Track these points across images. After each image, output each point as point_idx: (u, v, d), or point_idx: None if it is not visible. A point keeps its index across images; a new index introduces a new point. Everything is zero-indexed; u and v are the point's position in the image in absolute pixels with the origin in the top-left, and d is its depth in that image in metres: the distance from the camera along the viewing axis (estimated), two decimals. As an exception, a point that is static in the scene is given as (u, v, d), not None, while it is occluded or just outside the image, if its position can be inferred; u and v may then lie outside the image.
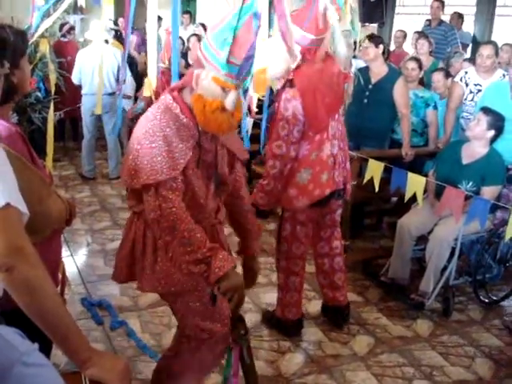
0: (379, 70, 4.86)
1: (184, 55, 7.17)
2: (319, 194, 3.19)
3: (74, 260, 4.41)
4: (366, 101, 4.86)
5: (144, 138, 2.06)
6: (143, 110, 5.56)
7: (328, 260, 3.56)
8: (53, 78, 4.00)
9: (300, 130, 3.07)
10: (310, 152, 3.14)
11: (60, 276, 2.20)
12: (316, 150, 3.14)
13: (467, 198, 3.73)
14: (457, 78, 5.07)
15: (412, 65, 5.18)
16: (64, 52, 7.34)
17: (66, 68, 6.89)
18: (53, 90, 4.04)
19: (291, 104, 3.05)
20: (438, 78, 5.31)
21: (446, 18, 7.98)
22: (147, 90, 3.87)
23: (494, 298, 4.18)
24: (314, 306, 3.88)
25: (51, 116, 3.82)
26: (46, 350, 1.55)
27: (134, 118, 5.71)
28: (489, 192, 3.86)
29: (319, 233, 3.53)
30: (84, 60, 6.17)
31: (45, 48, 3.65)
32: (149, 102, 5.49)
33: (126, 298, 3.85)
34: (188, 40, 7.40)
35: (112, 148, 6.59)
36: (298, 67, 3.06)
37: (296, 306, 3.51)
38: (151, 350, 3.25)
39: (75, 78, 6.30)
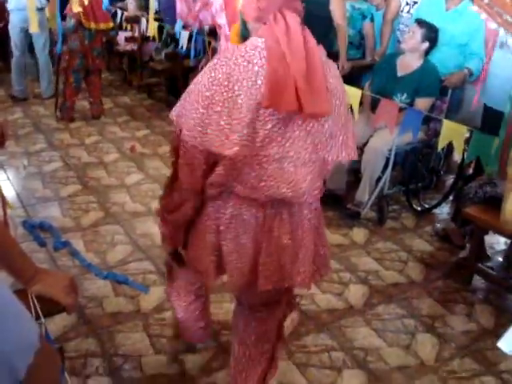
0: (315, -18, 4.78)
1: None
2: None
3: (11, 183, 4.33)
4: (302, 13, 4.80)
5: None
6: (74, 28, 5.33)
7: None
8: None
9: None
10: None
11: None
12: None
13: (401, 109, 3.82)
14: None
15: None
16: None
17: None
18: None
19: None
20: (374, -11, 5.27)
21: None
22: (76, 6, 3.70)
23: (426, 206, 4.39)
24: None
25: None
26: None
27: (66, 37, 5.49)
28: (422, 103, 3.95)
29: None
30: None
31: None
32: (78, 20, 5.28)
33: (68, 219, 3.84)
34: None
35: (43, 66, 6.33)
36: None
37: None
38: (96, 267, 3.29)
39: None
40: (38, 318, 1.40)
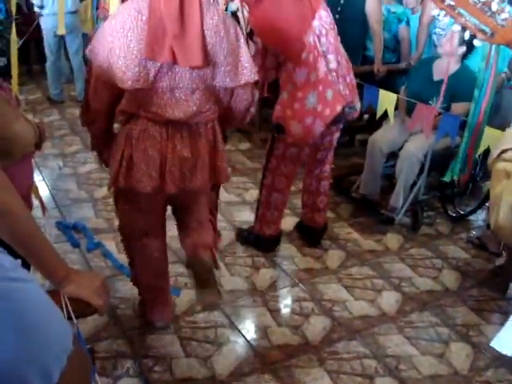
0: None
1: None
2: (331, 113, 3.13)
3: (46, 184, 4.39)
4: (337, 16, 4.75)
5: None
6: None
7: (316, 182, 3.60)
8: (13, -2, 3.80)
9: None
10: (308, 76, 3.08)
11: (36, 199, 2.20)
12: (313, 70, 3.07)
13: (438, 114, 3.76)
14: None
15: (386, -21, 5.07)
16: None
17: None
18: (14, 10, 3.85)
19: None
20: (409, -8, 5.21)
21: None
22: (114, 6, 3.73)
23: (462, 213, 4.30)
24: (288, 222, 3.94)
25: (14, 38, 3.67)
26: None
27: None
28: (459, 108, 3.88)
29: (315, 154, 3.51)
30: None
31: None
32: None
33: (101, 220, 3.88)
34: None
35: (78, 69, 6.40)
36: None
37: (275, 222, 3.57)
38: (128, 269, 3.30)
39: None
40: (69, 318, 1.40)
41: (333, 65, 3.14)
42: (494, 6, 2.65)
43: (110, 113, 2.30)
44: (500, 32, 2.72)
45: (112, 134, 2.45)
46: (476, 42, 2.92)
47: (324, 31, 3.09)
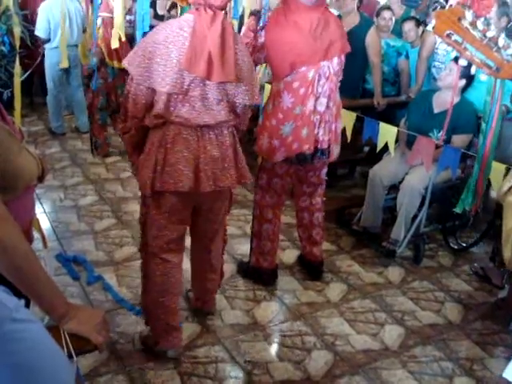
0: (353, 19, 4.80)
1: (152, 4, 6.82)
2: (296, 149, 3.17)
3: (47, 216, 4.38)
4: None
5: None
6: (97, 66, 5.37)
7: (308, 214, 3.60)
8: (17, 31, 3.84)
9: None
10: (293, 105, 3.11)
11: (37, 233, 2.19)
12: (300, 104, 3.11)
13: (438, 146, 3.77)
14: (429, 27, 5.05)
15: (388, 14, 5.15)
16: (27, 4, 7.05)
17: (30, 21, 6.64)
18: (17, 43, 3.90)
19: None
20: (408, 26, 5.28)
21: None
22: (116, 41, 3.78)
23: (464, 245, 4.29)
24: (288, 255, 3.93)
25: (17, 71, 3.72)
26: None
27: (89, 75, 5.54)
28: (459, 141, 3.90)
29: (302, 187, 3.55)
30: (54, 12, 5.82)
31: (7, 0, 3.50)
32: (102, 57, 5.30)
33: (102, 253, 3.86)
34: None
35: (79, 102, 6.43)
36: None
37: (270, 254, 3.55)
38: (128, 302, 3.28)
39: (43, 31, 5.89)
40: (69, 355, 1.38)
41: (321, 108, 3.17)
42: (501, 42, 2.69)
43: (143, 117, 2.51)
44: (506, 67, 2.75)
45: (143, 139, 2.63)
46: (482, 77, 2.95)
47: (327, 74, 3.13)
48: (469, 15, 2.71)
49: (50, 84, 6.31)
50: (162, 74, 2.36)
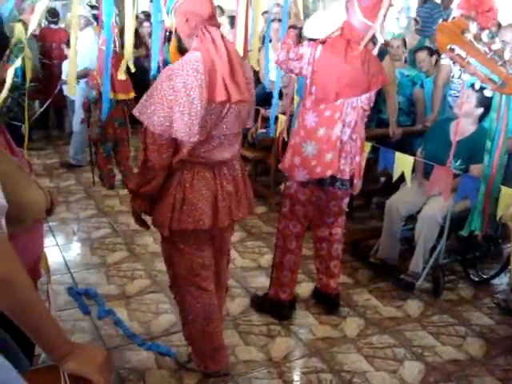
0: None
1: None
2: (319, 173, 3.16)
3: (59, 249, 4.34)
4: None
5: None
6: (95, 99, 5.35)
7: (327, 245, 3.54)
8: (29, 64, 3.87)
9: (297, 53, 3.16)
10: (316, 125, 3.11)
11: (44, 268, 2.14)
12: (324, 126, 3.10)
13: (456, 176, 3.69)
14: (443, 56, 5.01)
15: (397, 42, 5.12)
16: (50, 39, 7.16)
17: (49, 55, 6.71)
18: (28, 76, 3.92)
19: (312, 48, 3.11)
20: (422, 56, 5.26)
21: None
22: (122, 73, 3.80)
23: (485, 277, 4.17)
24: (303, 288, 3.84)
25: (26, 103, 3.76)
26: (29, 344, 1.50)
27: (89, 109, 5.53)
28: (478, 169, 3.81)
29: (323, 217, 3.50)
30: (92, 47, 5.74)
31: (20, 33, 3.53)
32: (98, 90, 5.24)
33: (113, 287, 3.80)
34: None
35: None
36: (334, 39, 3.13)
37: (289, 286, 3.48)
38: (139, 337, 3.20)
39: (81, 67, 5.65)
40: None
41: (344, 137, 3.16)
42: (507, 55, 2.61)
43: (168, 165, 2.47)
44: (511, 82, 2.68)
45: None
46: (487, 92, 2.89)
47: (354, 104, 3.12)
48: (473, 27, 2.65)
49: (76, 117, 6.31)
50: (189, 123, 2.31)
